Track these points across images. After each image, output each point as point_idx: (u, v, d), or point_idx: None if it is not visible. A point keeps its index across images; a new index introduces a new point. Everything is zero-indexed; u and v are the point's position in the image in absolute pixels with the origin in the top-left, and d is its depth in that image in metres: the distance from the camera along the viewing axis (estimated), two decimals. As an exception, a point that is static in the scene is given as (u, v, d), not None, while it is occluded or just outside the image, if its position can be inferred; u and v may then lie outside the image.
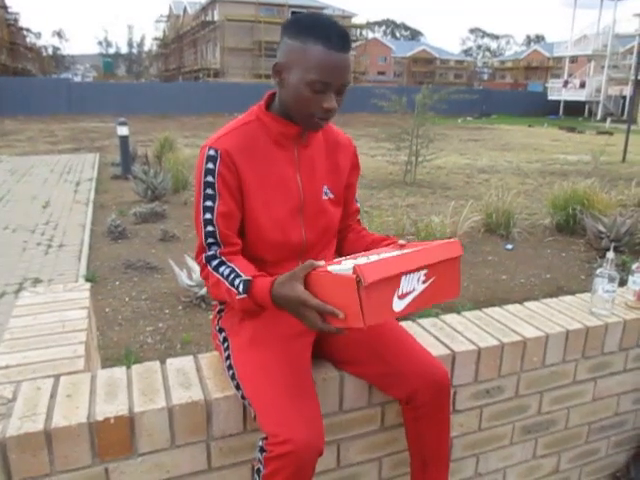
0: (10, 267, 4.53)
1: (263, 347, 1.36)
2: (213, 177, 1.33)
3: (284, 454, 1.16)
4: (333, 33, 1.25)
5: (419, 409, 1.42)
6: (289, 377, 1.30)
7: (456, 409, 1.66)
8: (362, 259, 1.27)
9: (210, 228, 1.35)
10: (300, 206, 1.43)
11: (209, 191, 1.34)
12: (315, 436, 1.22)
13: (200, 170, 1.35)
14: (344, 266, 1.18)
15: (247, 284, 1.28)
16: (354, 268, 1.12)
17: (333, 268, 1.19)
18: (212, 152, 1.33)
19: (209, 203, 1.34)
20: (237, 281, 1.30)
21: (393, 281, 1.18)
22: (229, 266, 1.34)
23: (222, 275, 1.33)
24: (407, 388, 1.41)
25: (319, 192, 1.47)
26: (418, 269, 1.23)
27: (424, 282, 1.24)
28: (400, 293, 1.20)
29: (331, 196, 1.50)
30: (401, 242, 1.40)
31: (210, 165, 1.33)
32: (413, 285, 1.22)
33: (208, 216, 1.34)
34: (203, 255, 1.37)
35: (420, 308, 1.26)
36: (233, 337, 1.43)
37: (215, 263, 1.35)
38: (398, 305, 1.20)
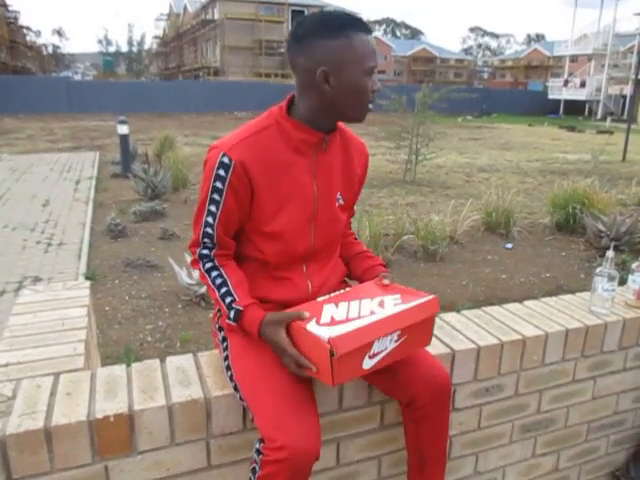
0: (10, 265, 4.53)
1: (261, 348, 1.35)
2: (223, 185, 1.33)
3: (280, 460, 1.17)
4: (361, 21, 1.31)
5: (419, 411, 1.42)
6: (286, 380, 1.29)
7: (456, 407, 1.66)
8: (342, 309, 1.31)
9: (209, 230, 1.38)
10: (313, 214, 1.42)
11: (216, 196, 1.34)
12: (312, 442, 1.21)
13: (210, 172, 1.33)
14: (321, 332, 1.22)
15: (238, 314, 1.34)
16: (329, 340, 1.18)
17: (312, 329, 1.24)
18: (226, 160, 1.31)
19: (213, 208, 1.35)
20: (228, 300, 1.35)
21: (365, 346, 1.25)
22: (221, 275, 1.38)
23: (213, 283, 1.38)
24: (408, 391, 1.41)
25: (333, 199, 1.46)
26: (392, 332, 1.28)
27: (396, 341, 1.31)
28: (371, 353, 1.26)
29: (342, 203, 1.49)
30: (385, 282, 1.43)
31: (222, 172, 1.32)
32: (385, 345, 1.29)
33: (210, 220, 1.37)
34: (197, 250, 1.41)
35: (389, 363, 1.32)
36: (232, 337, 1.43)
37: (208, 265, 1.40)
38: (368, 364, 1.27)
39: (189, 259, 4.10)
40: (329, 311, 1.31)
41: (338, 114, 1.37)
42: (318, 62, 1.28)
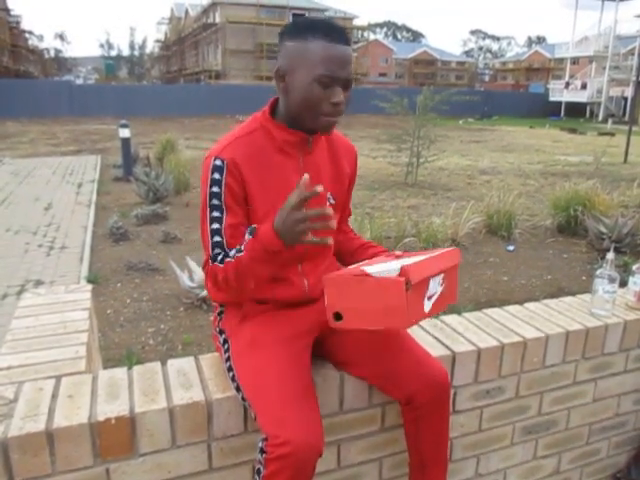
0: (12, 269, 4.54)
1: (263, 349, 1.36)
2: (220, 188, 1.32)
3: (284, 455, 1.17)
4: (331, 27, 1.30)
5: (418, 410, 1.42)
6: (289, 378, 1.30)
7: (456, 410, 1.66)
8: (376, 266, 1.29)
9: (217, 238, 1.34)
10: None
11: (215, 202, 1.33)
12: (315, 437, 1.22)
13: (206, 180, 1.34)
14: (382, 267, 1.21)
15: (252, 229, 1.27)
16: (402, 269, 1.16)
17: (375, 270, 1.21)
18: (218, 162, 1.32)
19: (216, 214, 1.33)
20: (242, 245, 1.28)
21: (425, 283, 1.24)
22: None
23: (231, 257, 1.29)
24: (406, 389, 1.41)
25: (323, 199, 1.47)
26: (439, 272, 1.29)
27: (441, 285, 1.31)
28: (428, 294, 1.26)
29: (332, 202, 1.50)
30: (397, 252, 1.41)
31: (216, 175, 1.32)
32: (436, 287, 1.29)
33: (216, 226, 1.34)
34: (210, 263, 1.34)
35: (435, 313, 1.31)
36: (233, 339, 1.44)
37: (220, 258, 1.32)
38: (427, 306, 1.26)
39: (191, 262, 4.08)
40: (375, 266, 1.28)
41: (296, 118, 1.35)
42: (279, 60, 1.32)
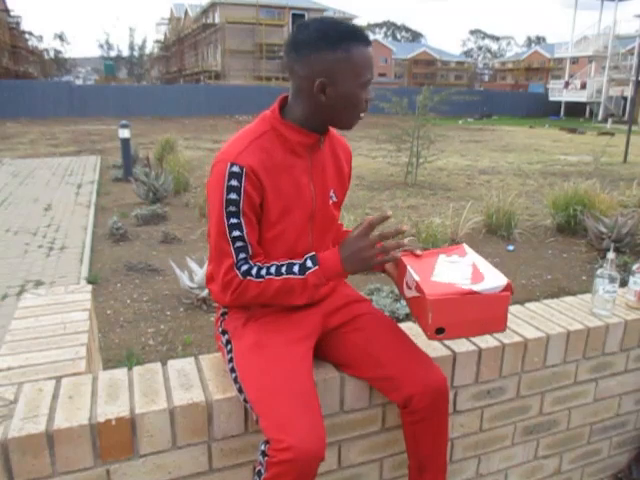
0: (12, 269, 4.54)
1: (266, 351, 1.36)
2: (238, 195, 1.31)
3: (286, 460, 1.17)
4: (360, 31, 1.33)
5: (416, 413, 1.42)
6: (292, 382, 1.30)
7: (457, 410, 1.66)
8: (458, 271, 1.42)
9: (240, 244, 1.34)
10: (312, 213, 1.44)
11: (233, 208, 1.31)
12: (317, 442, 1.21)
13: (221, 186, 1.31)
14: (491, 283, 1.37)
15: (314, 257, 1.35)
16: (507, 285, 1.36)
17: (480, 287, 1.35)
18: (236, 169, 1.31)
19: (235, 220, 1.32)
20: (295, 267, 1.34)
21: None
22: (271, 265, 1.36)
23: (271, 274, 1.34)
24: (404, 393, 1.41)
25: (327, 197, 1.49)
26: None
27: None
28: None
29: (335, 200, 1.52)
30: (418, 252, 1.50)
31: (234, 182, 1.31)
32: None
33: (237, 233, 1.33)
34: (237, 274, 1.34)
35: None
36: (236, 340, 1.43)
37: (255, 271, 1.34)
38: None
39: (191, 262, 4.07)
40: (461, 272, 1.41)
41: (330, 121, 1.41)
42: (316, 72, 1.30)
